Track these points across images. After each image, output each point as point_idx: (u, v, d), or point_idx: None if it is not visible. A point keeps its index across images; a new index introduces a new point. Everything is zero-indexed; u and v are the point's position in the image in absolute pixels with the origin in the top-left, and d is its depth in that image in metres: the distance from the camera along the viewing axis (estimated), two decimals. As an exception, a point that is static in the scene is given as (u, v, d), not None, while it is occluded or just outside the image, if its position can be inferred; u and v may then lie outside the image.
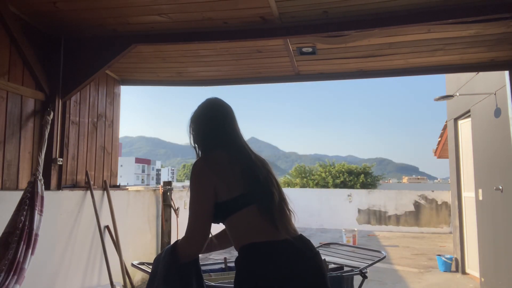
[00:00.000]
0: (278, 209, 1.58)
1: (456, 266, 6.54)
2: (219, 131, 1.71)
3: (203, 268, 2.96)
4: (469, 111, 5.91)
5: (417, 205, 12.02)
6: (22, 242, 2.79)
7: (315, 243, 2.02)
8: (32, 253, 2.86)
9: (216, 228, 1.74)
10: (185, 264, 1.61)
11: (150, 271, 2.51)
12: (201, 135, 1.73)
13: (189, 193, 1.61)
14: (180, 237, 1.71)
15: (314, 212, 12.70)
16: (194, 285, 1.62)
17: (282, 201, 1.64)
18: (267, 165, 1.71)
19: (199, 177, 1.59)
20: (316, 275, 1.53)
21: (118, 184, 5.27)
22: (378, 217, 12.39)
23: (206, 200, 1.56)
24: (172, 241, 6.13)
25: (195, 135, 1.75)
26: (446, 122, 7.37)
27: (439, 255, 6.82)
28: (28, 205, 2.93)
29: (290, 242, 1.52)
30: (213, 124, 1.73)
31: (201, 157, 1.70)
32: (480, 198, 5.44)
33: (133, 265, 2.54)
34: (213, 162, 1.61)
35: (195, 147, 1.75)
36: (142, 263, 2.59)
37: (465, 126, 6.31)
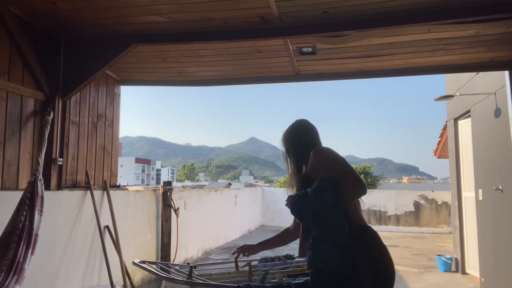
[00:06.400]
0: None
1: (456, 266, 6.54)
2: (314, 142, 2.13)
3: (203, 268, 2.95)
4: (469, 111, 5.91)
5: (417, 205, 12.02)
6: (22, 242, 2.79)
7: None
8: (32, 253, 2.86)
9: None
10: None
11: (151, 269, 2.51)
12: (301, 144, 2.12)
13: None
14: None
15: (314, 212, 12.68)
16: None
17: None
18: None
19: (331, 150, 1.96)
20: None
21: (118, 184, 5.27)
22: (378, 217, 12.38)
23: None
24: (172, 241, 6.14)
25: (293, 145, 2.14)
26: (446, 122, 7.37)
27: (439, 255, 6.82)
28: (28, 205, 2.92)
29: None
30: (309, 135, 2.15)
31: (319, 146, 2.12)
32: (480, 198, 5.44)
33: (134, 263, 2.54)
34: None
35: (287, 160, 2.15)
36: (143, 262, 2.59)
37: (465, 126, 6.31)
